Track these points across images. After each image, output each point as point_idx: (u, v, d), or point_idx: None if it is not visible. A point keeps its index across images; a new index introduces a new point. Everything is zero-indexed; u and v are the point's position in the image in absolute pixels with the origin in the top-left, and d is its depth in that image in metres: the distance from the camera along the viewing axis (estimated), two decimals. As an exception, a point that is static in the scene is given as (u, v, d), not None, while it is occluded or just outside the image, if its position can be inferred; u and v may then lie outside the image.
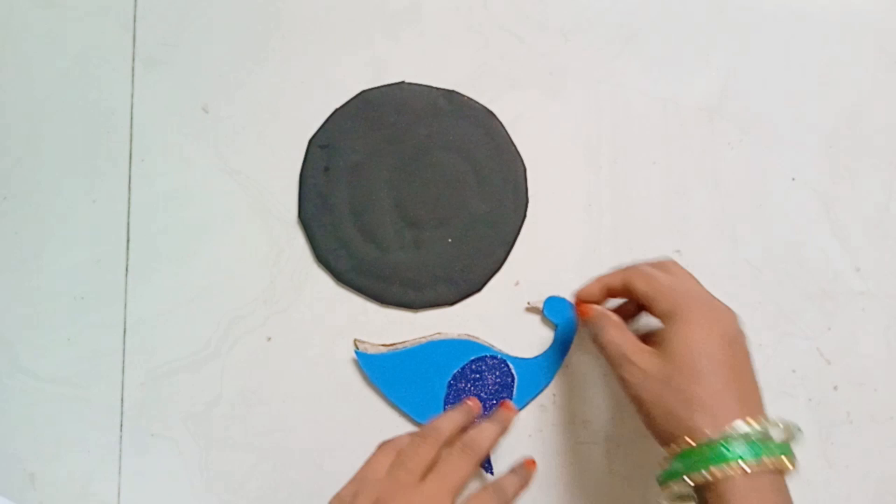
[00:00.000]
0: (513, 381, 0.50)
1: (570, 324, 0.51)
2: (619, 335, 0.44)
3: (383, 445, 0.46)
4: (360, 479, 0.44)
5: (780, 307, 0.52)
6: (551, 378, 0.51)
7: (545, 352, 0.51)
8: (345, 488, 0.44)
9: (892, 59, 0.54)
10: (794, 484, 0.52)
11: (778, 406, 0.52)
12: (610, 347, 0.44)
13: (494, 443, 0.47)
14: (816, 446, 0.52)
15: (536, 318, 0.52)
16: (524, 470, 0.49)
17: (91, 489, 0.52)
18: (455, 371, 0.49)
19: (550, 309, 0.51)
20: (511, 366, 0.51)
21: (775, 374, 0.52)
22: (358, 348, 0.51)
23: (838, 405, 0.52)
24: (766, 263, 0.53)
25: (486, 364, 0.50)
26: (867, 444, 0.52)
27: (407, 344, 0.51)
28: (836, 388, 0.52)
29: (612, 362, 0.43)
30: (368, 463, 0.45)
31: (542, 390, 0.51)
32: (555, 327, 0.51)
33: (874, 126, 0.53)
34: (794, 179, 0.53)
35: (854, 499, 0.52)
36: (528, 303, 0.52)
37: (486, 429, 0.47)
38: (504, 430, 0.48)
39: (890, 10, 0.54)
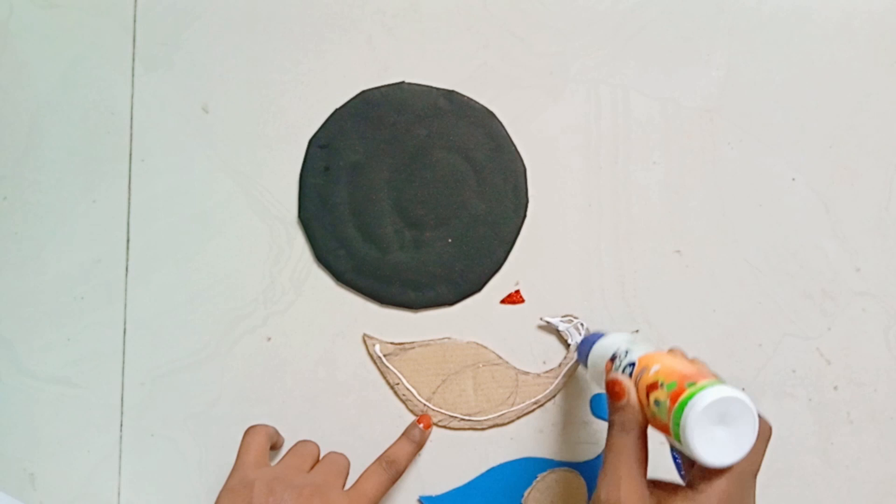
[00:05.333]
0: None
1: None
2: (633, 447, 0.39)
3: None
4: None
5: (780, 307, 0.52)
6: None
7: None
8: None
9: (892, 59, 0.54)
10: (794, 484, 0.52)
11: (778, 406, 0.52)
12: (615, 451, 0.39)
13: (412, 459, 0.49)
14: (816, 446, 0.52)
15: (536, 319, 0.52)
16: (417, 432, 0.50)
17: (91, 489, 0.52)
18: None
19: (599, 406, 0.51)
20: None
21: (775, 374, 0.52)
22: (367, 344, 0.52)
23: (838, 405, 0.52)
24: (766, 263, 0.53)
25: None
26: (867, 444, 0.52)
27: (416, 345, 0.52)
28: (836, 388, 0.52)
29: (608, 468, 0.39)
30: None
31: None
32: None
33: (874, 126, 0.53)
34: (794, 179, 0.53)
35: (854, 499, 0.52)
36: (541, 318, 0.52)
37: (404, 446, 0.49)
38: (420, 447, 0.50)
39: (890, 10, 0.54)
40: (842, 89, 0.54)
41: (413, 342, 0.52)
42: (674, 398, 0.37)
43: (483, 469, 0.51)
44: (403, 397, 0.52)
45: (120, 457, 0.52)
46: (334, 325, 0.52)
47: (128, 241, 0.53)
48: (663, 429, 0.38)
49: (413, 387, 0.51)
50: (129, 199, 0.53)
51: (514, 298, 0.52)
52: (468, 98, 0.53)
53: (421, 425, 0.50)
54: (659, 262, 0.52)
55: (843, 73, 0.54)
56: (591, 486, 0.51)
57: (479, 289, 0.52)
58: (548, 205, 0.53)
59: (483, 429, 0.52)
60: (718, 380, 0.37)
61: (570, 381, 0.52)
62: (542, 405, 0.52)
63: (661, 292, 0.52)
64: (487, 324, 0.52)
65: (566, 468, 0.51)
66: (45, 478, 0.52)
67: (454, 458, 0.52)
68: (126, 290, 0.53)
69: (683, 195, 0.53)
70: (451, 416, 0.51)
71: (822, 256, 0.53)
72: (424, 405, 0.51)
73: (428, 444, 0.51)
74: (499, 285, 0.52)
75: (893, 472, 0.52)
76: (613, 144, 0.53)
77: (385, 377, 0.52)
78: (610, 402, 0.41)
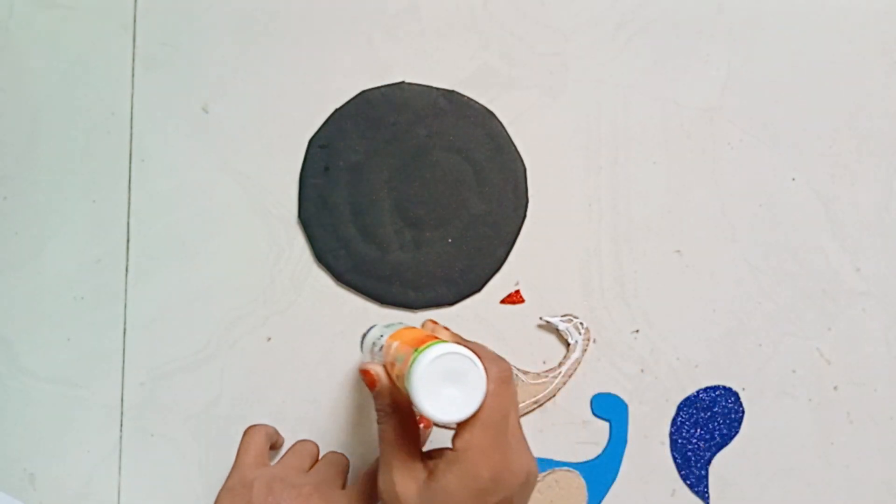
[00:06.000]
0: None
1: (622, 418, 0.51)
2: (395, 431, 0.39)
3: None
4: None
5: (780, 307, 0.52)
6: (616, 473, 0.51)
7: (604, 450, 0.51)
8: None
9: (893, 59, 0.54)
10: (794, 484, 0.52)
11: (778, 406, 0.52)
12: (381, 440, 0.40)
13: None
14: (816, 446, 0.52)
15: (536, 319, 0.52)
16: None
17: (91, 489, 0.52)
18: None
19: (599, 406, 0.51)
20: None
21: (775, 374, 0.52)
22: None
23: (838, 405, 0.52)
24: (766, 263, 0.53)
25: None
26: (867, 444, 0.52)
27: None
28: (836, 388, 0.52)
29: (380, 457, 0.40)
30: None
31: (610, 487, 0.51)
32: (608, 423, 0.51)
33: (874, 126, 0.53)
34: (794, 179, 0.53)
35: (854, 499, 0.52)
36: (541, 318, 0.52)
37: None
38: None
39: (890, 10, 0.54)
40: (842, 89, 0.54)
41: (413, 342, 0.52)
42: (404, 368, 0.37)
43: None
44: (403, 397, 0.52)
45: (120, 457, 0.52)
46: (334, 325, 0.52)
47: (128, 241, 0.53)
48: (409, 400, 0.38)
49: (413, 387, 0.51)
50: (129, 199, 0.53)
51: (514, 298, 0.52)
52: (468, 98, 0.53)
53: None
54: (659, 262, 0.52)
55: (843, 73, 0.54)
56: (591, 486, 0.51)
57: (479, 289, 0.52)
58: (548, 205, 0.53)
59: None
60: (443, 340, 0.37)
61: (570, 380, 0.52)
62: (541, 405, 0.52)
63: (661, 292, 0.52)
64: (487, 324, 0.52)
65: (566, 468, 0.51)
66: (45, 478, 0.52)
67: (454, 458, 0.52)
68: (126, 290, 0.53)
69: (683, 195, 0.53)
70: (451, 416, 0.51)
71: (822, 256, 0.53)
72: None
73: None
74: (499, 285, 0.52)
75: (893, 473, 0.52)
76: (613, 144, 0.53)
77: (385, 377, 0.52)
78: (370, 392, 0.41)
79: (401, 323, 0.46)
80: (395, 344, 0.40)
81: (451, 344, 0.36)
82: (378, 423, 0.40)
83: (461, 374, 0.36)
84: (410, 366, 0.36)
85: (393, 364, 0.39)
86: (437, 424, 0.35)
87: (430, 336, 0.39)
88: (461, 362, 0.36)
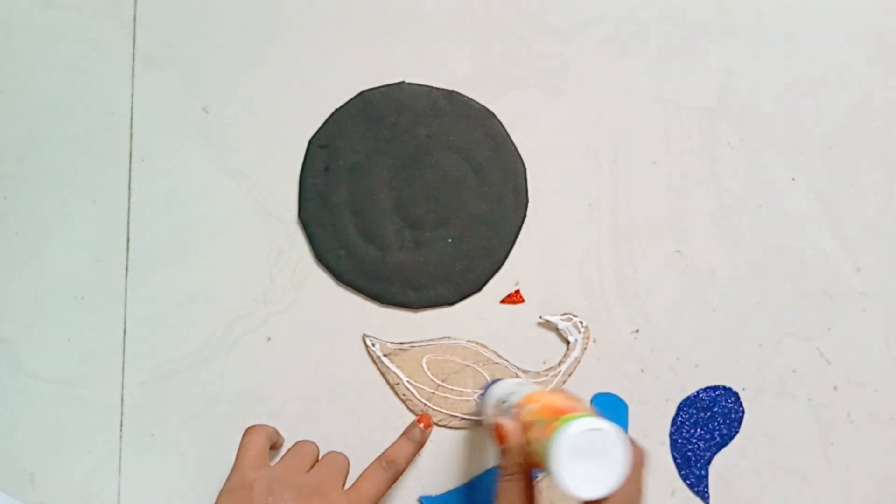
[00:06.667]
0: None
1: (622, 418, 0.51)
2: (518, 493, 0.38)
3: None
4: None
5: (780, 307, 0.52)
6: None
7: None
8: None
9: (892, 59, 0.54)
10: (794, 484, 0.52)
11: (778, 406, 0.52)
12: (500, 498, 0.39)
13: (412, 459, 0.49)
14: (816, 446, 0.52)
15: (536, 319, 0.52)
16: (417, 432, 0.50)
17: (91, 489, 0.52)
18: None
19: (599, 406, 0.51)
20: None
21: (775, 374, 0.52)
22: (367, 344, 0.52)
23: (838, 405, 0.52)
24: (766, 263, 0.53)
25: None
26: (867, 444, 0.52)
27: (416, 345, 0.52)
28: (836, 388, 0.52)
29: None
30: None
31: None
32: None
33: (874, 126, 0.53)
34: (794, 179, 0.53)
35: (854, 499, 0.52)
36: (540, 317, 0.52)
37: (404, 446, 0.49)
38: (420, 446, 0.50)
39: (890, 10, 0.54)
40: (842, 89, 0.54)
41: (413, 342, 0.52)
42: (545, 434, 0.36)
43: (483, 469, 0.51)
44: (403, 397, 0.52)
45: (120, 457, 0.52)
46: (334, 325, 0.52)
47: (128, 241, 0.53)
48: (541, 466, 0.37)
49: (413, 387, 0.51)
50: (129, 199, 0.53)
51: (514, 298, 0.52)
52: (468, 98, 0.53)
53: (421, 425, 0.50)
54: (659, 262, 0.52)
55: (843, 73, 0.54)
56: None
57: (479, 289, 0.52)
58: (548, 205, 0.53)
59: (483, 428, 0.51)
60: (589, 413, 0.37)
61: (570, 380, 0.52)
62: (542, 405, 0.52)
63: (661, 292, 0.52)
64: (487, 324, 0.52)
65: None
66: (45, 478, 0.52)
67: (454, 458, 0.52)
68: (126, 290, 0.53)
69: (683, 195, 0.53)
70: (451, 416, 0.51)
71: (822, 256, 0.53)
72: (424, 405, 0.51)
73: (428, 444, 0.51)
74: (499, 285, 0.52)
75: (893, 472, 0.52)
76: (613, 144, 0.53)
77: (385, 377, 0.52)
78: (497, 446, 0.40)
79: (533, 383, 0.45)
80: (535, 406, 0.39)
81: (600, 419, 0.35)
82: (500, 480, 0.39)
83: (604, 452, 0.35)
84: (554, 433, 0.35)
85: (530, 425, 0.38)
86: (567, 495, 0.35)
87: (571, 404, 0.38)
88: (607, 440, 0.35)
